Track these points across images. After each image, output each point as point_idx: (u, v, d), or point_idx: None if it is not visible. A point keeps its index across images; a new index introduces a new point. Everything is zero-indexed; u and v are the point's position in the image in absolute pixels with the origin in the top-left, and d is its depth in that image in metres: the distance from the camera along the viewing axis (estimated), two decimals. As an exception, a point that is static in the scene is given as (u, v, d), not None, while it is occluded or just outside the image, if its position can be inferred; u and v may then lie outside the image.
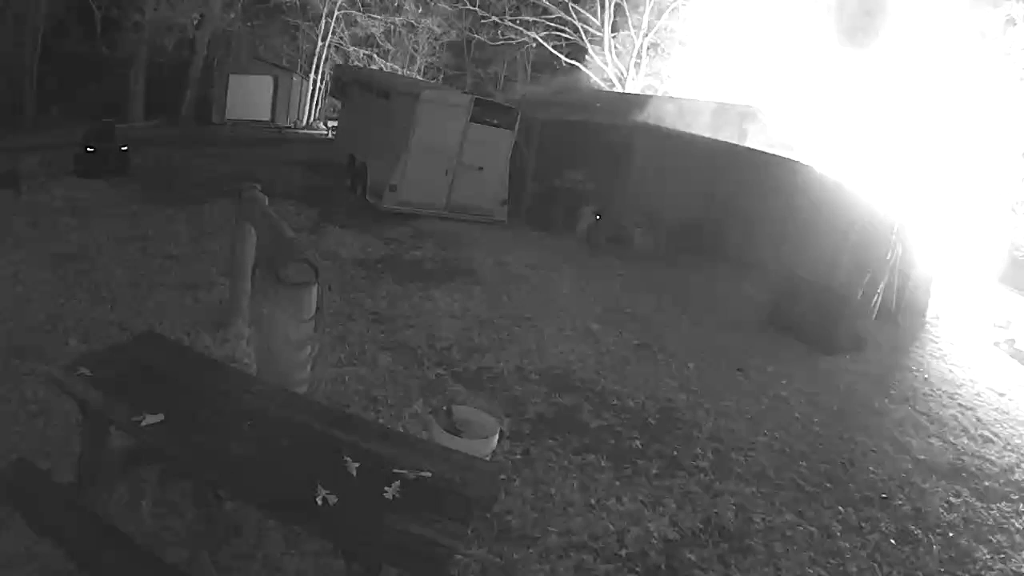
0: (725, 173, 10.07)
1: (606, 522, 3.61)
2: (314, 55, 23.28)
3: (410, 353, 5.28)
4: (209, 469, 2.37)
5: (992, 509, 4.54)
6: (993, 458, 5.37)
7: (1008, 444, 5.72)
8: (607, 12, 19.58)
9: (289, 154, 14.95)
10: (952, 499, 4.58)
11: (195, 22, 20.23)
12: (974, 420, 6.12)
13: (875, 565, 3.71)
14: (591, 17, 19.87)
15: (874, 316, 8.09)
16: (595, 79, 19.85)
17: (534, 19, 20.76)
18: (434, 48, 25.89)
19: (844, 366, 6.85)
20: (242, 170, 10.65)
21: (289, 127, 21.43)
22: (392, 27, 24.08)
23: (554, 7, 20.09)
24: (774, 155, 10.15)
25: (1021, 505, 4.67)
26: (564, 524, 3.52)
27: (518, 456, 4.10)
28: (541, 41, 20.87)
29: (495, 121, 10.18)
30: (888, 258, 7.92)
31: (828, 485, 4.44)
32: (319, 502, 2.10)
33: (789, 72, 13.71)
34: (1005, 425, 6.15)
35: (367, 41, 24.25)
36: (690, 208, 10.14)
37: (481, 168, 10.17)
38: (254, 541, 2.96)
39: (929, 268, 9.00)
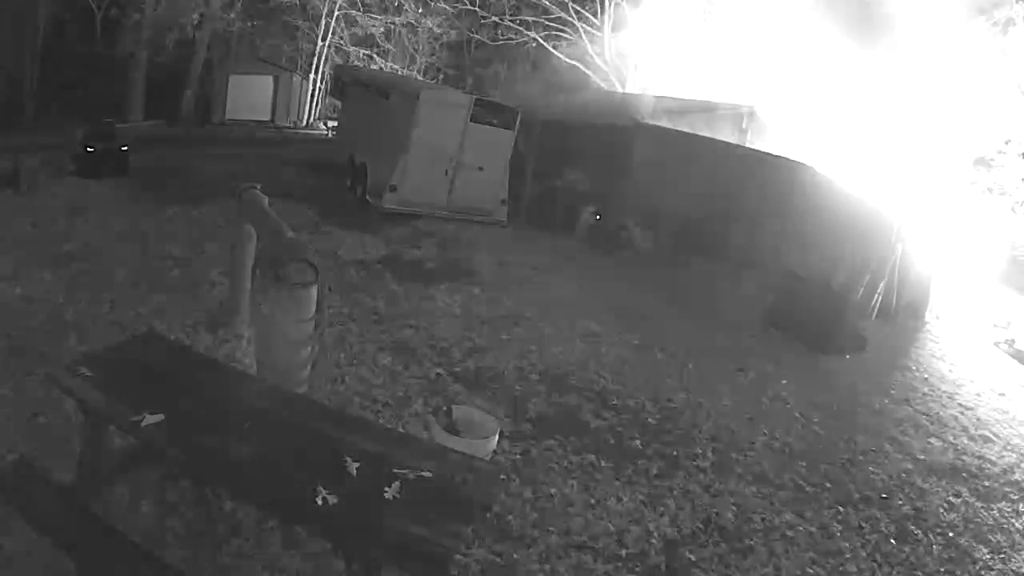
0: (725, 173, 10.08)
1: (606, 522, 3.61)
2: (314, 55, 23.29)
3: (410, 353, 5.28)
4: (209, 469, 2.37)
5: (992, 509, 4.54)
6: (993, 458, 5.38)
7: (1008, 444, 5.72)
8: (607, 12, 19.57)
9: (289, 154, 14.95)
10: (952, 499, 4.58)
11: (195, 22, 20.22)
12: (974, 420, 6.13)
13: (875, 565, 3.71)
14: (591, 17, 19.86)
15: (874, 316, 8.10)
16: (595, 79, 19.86)
17: (534, 19, 20.74)
18: (434, 48, 25.90)
19: (844, 366, 6.86)
20: (242, 170, 10.64)
21: (289, 127, 21.44)
22: (392, 27, 24.09)
23: (554, 7, 20.07)
24: (774, 155, 10.16)
25: (1021, 505, 4.68)
26: (564, 524, 3.52)
27: (518, 456, 4.10)
28: (541, 41, 20.86)
29: (495, 121, 10.18)
30: (888, 258, 7.93)
31: (828, 485, 4.44)
32: (319, 502, 2.10)
33: (789, 72, 13.72)
34: (1005, 425, 6.16)
35: (367, 41, 24.26)
36: (690, 208, 10.14)
37: (481, 168, 10.16)
38: (254, 541, 2.95)
39: (929, 268, 9.01)
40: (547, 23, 20.50)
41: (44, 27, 16.82)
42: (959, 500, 4.59)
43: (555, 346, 5.94)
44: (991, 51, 11.77)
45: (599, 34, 19.81)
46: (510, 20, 21.10)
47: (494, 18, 21.34)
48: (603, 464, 4.18)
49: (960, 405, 6.44)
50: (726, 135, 11.51)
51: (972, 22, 11.79)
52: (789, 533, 3.84)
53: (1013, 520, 4.46)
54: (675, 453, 4.49)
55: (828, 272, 7.62)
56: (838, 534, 3.92)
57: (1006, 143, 12.78)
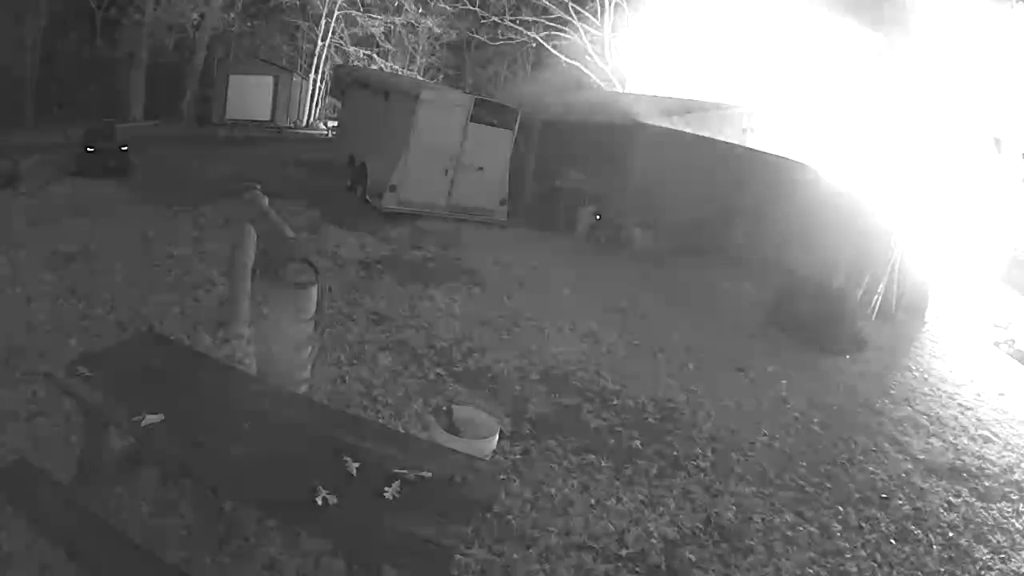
0: (725, 173, 10.07)
1: (606, 522, 3.61)
2: (314, 55, 23.30)
3: (410, 353, 5.28)
4: (209, 469, 2.37)
5: (992, 509, 4.54)
6: (993, 458, 5.37)
7: (1008, 444, 5.72)
8: (607, 12, 19.57)
9: (289, 154, 14.95)
10: (952, 499, 4.58)
11: (195, 22, 20.24)
12: (974, 420, 6.12)
13: (875, 565, 3.71)
14: (591, 17, 19.86)
15: (874, 316, 8.10)
16: (595, 79, 19.85)
17: (534, 19, 20.74)
18: (434, 48, 25.93)
19: (844, 366, 6.86)
20: (242, 170, 10.65)
21: (289, 127, 21.44)
22: (392, 27, 24.10)
23: (554, 7, 20.07)
24: (775, 155, 10.16)
25: (1021, 505, 4.68)
26: (564, 524, 3.52)
27: (518, 456, 4.10)
28: (541, 41, 20.85)
29: (495, 121, 10.18)
30: (888, 258, 7.93)
31: (828, 485, 4.44)
32: (319, 502, 2.10)
33: (789, 71, 13.72)
34: (1005, 425, 6.15)
35: (367, 41, 24.28)
36: (690, 208, 10.14)
37: (481, 168, 10.17)
38: (254, 541, 2.95)
39: (929, 268, 9.01)
40: (547, 23, 20.50)
41: (44, 27, 16.83)
42: (959, 500, 4.59)
43: (555, 346, 5.94)
44: (989, 49, 11.77)
45: (599, 34, 19.80)
46: (510, 20, 21.09)
47: (494, 18, 21.34)
48: (603, 464, 4.18)
49: (960, 405, 6.43)
50: (726, 135, 11.51)
51: (971, 21, 11.78)
52: (789, 533, 3.84)
53: (1013, 520, 4.45)
54: (675, 453, 4.49)
55: (828, 272, 7.62)
56: (838, 534, 3.92)
57: (1006, 142, 12.77)
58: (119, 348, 3.12)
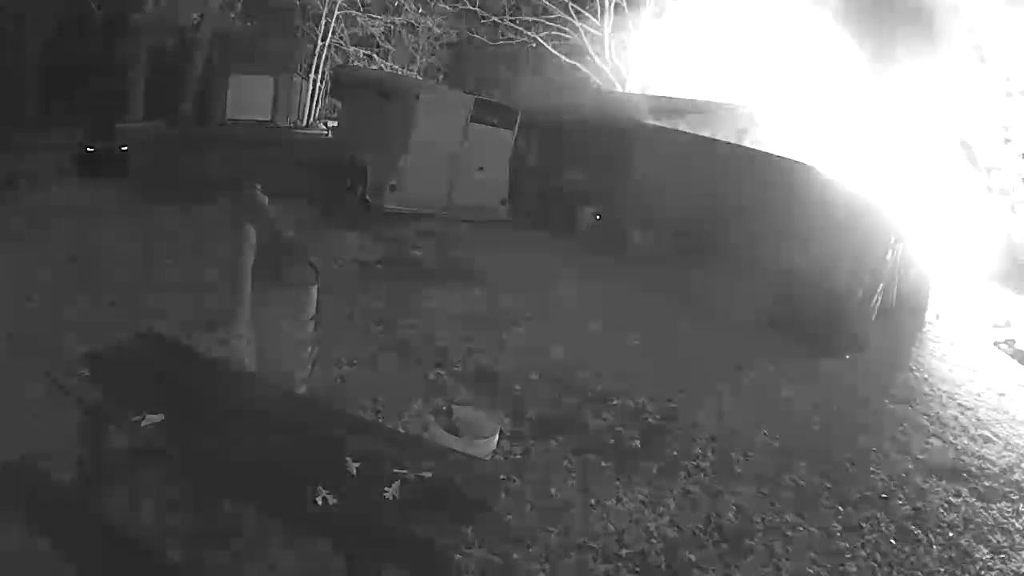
0: (725, 173, 10.07)
1: (606, 522, 3.61)
2: (314, 55, 23.29)
3: (410, 353, 5.28)
4: (209, 469, 2.37)
5: (992, 509, 4.54)
6: (993, 458, 5.37)
7: (1008, 444, 5.72)
8: (607, 12, 19.58)
9: (289, 154, 14.94)
10: (952, 499, 4.58)
11: (195, 22, 20.23)
12: (974, 420, 6.12)
13: (875, 565, 3.71)
14: (591, 17, 19.87)
15: (874, 316, 8.10)
16: (595, 79, 19.86)
17: (534, 19, 20.74)
18: (434, 48, 25.91)
19: (844, 366, 6.86)
20: (242, 170, 10.64)
21: (289, 127, 21.44)
22: (392, 27, 24.10)
23: (554, 7, 20.07)
24: (775, 155, 10.16)
25: (1021, 505, 4.67)
26: (564, 524, 3.52)
27: (518, 456, 4.10)
28: (541, 41, 20.85)
29: (495, 121, 10.19)
30: (888, 258, 7.93)
31: (828, 485, 4.44)
32: (319, 502, 2.10)
33: (790, 71, 13.73)
34: (1005, 425, 6.15)
35: (367, 41, 24.27)
36: (690, 208, 10.13)
37: (481, 168, 10.17)
38: (254, 541, 2.95)
39: (929, 268, 9.01)
40: (547, 23, 20.51)
41: (45, 27, 16.83)
42: (959, 500, 4.59)
43: (555, 346, 5.94)
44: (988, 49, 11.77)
45: (599, 34, 19.81)
46: (510, 20, 21.10)
47: (494, 18, 21.34)
48: (603, 464, 4.18)
49: (960, 405, 6.44)
50: (726, 135, 11.51)
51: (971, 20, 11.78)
52: (789, 533, 3.84)
53: (1013, 520, 4.45)
54: (675, 453, 4.49)
55: (828, 272, 7.61)
56: (838, 534, 3.92)
57: (1006, 143, 12.78)
58: (119, 348, 3.12)
